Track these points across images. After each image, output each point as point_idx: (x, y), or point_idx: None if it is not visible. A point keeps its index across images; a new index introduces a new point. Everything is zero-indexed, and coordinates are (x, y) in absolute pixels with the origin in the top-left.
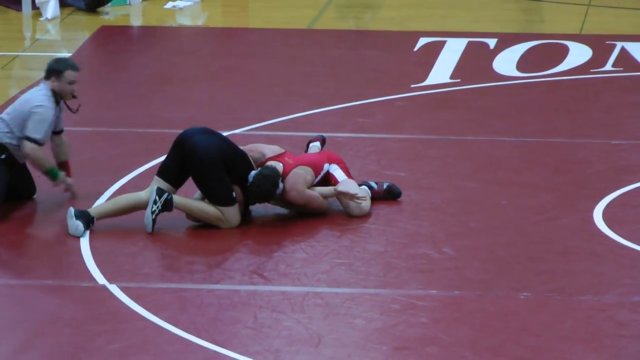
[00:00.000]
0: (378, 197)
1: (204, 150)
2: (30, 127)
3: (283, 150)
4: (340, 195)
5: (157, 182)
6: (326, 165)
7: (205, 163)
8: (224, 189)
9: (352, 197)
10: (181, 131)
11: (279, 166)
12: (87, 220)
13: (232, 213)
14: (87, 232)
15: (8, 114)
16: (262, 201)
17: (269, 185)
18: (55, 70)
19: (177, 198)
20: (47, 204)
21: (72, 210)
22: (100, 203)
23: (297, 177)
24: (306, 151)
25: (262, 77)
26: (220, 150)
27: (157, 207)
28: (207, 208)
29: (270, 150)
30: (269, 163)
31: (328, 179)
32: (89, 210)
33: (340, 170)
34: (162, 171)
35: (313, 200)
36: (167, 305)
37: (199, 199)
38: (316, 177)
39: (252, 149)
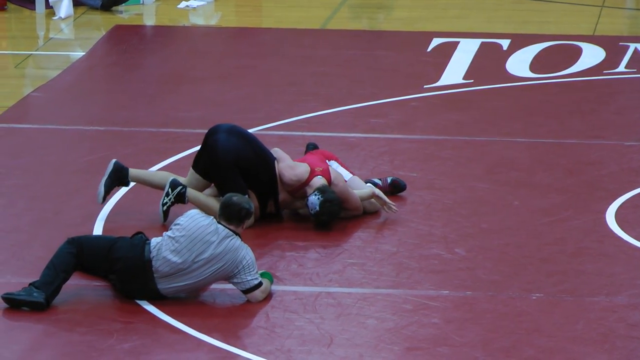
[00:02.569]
0: (384, 192)
1: (221, 150)
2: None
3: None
4: (375, 198)
5: (190, 174)
6: (328, 163)
7: (220, 162)
8: (237, 191)
9: (385, 203)
10: (210, 126)
11: (319, 179)
12: (121, 177)
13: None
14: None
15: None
16: (321, 225)
17: (337, 208)
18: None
19: (190, 191)
20: (65, 207)
21: (113, 162)
22: (141, 170)
23: (338, 175)
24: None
25: (275, 77)
26: (238, 154)
27: (169, 200)
28: (214, 206)
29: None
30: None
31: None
32: (129, 170)
33: (342, 168)
34: (194, 163)
35: (352, 200)
36: (180, 304)
37: (212, 195)
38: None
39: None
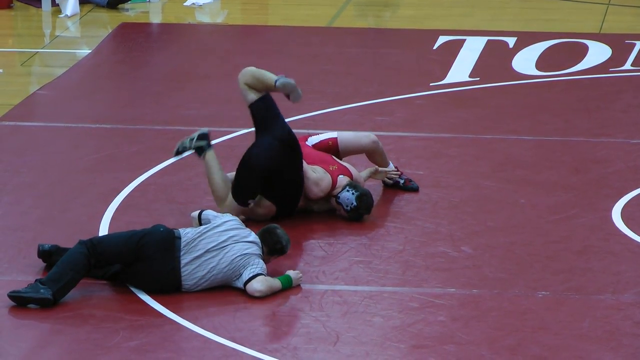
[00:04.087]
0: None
1: (259, 152)
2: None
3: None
4: (376, 173)
5: None
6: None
7: (250, 162)
8: (246, 191)
9: (387, 173)
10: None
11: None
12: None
13: (234, 207)
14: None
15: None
16: (357, 219)
17: (372, 200)
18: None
19: (210, 154)
20: (74, 202)
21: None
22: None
23: (351, 167)
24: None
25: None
26: (271, 166)
27: (188, 144)
28: (220, 184)
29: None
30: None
31: (325, 146)
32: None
33: (320, 135)
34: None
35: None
36: (186, 302)
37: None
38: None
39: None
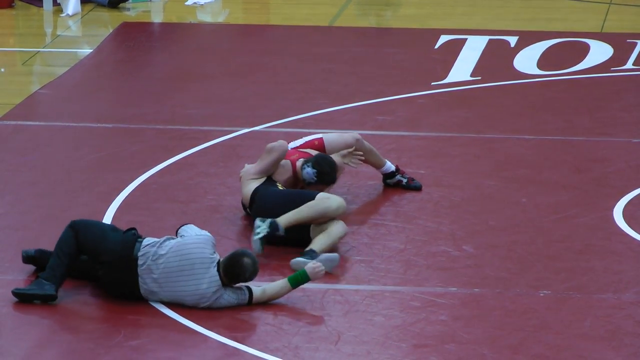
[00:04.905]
0: (400, 179)
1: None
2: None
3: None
4: (345, 158)
5: None
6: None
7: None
8: (304, 192)
9: (351, 154)
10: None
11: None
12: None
13: (327, 194)
14: None
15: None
16: (330, 183)
17: (329, 159)
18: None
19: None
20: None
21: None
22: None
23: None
24: None
25: (283, 74)
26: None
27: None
28: (313, 208)
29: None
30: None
31: (311, 146)
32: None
33: (305, 137)
34: None
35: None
36: None
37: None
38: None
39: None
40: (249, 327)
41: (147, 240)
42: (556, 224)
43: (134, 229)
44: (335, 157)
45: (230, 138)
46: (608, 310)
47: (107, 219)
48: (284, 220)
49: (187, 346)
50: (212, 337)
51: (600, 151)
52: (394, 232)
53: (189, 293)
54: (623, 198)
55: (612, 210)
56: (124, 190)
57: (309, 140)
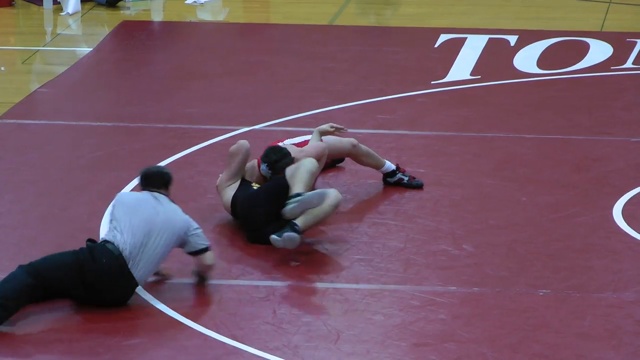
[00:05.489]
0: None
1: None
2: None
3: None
4: (326, 133)
5: None
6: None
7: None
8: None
9: (333, 129)
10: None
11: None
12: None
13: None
14: None
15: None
16: (284, 168)
17: (278, 148)
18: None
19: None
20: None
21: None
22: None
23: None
24: None
25: (283, 73)
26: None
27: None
28: (322, 207)
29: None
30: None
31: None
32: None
33: (303, 136)
34: None
35: (320, 147)
36: (186, 300)
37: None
38: None
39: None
40: (248, 326)
41: (107, 235)
42: (556, 223)
43: (90, 240)
44: (315, 139)
45: (231, 137)
46: (608, 309)
47: (107, 217)
48: (301, 225)
49: (185, 345)
50: (211, 335)
51: (600, 150)
52: (393, 230)
53: (160, 220)
54: (623, 197)
55: (612, 210)
56: (124, 189)
57: (306, 140)
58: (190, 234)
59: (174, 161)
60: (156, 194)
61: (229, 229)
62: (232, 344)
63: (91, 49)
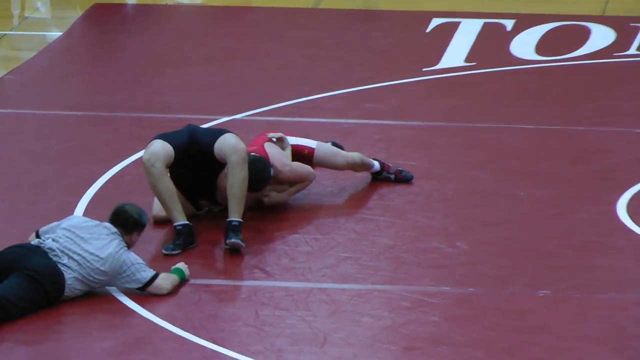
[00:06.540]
0: (387, 176)
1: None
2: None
3: None
4: (279, 142)
5: None
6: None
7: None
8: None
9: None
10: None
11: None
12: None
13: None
14: None
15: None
16: (262, 185)
17: (261, 165)
18: (141, 224)
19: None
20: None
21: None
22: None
23: (279, 154)
24: None
25: (264, 59)
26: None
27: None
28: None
29: None
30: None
31: (300, 153)
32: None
33: (300, 138)
34: None
35: (301, 169)
36: (162, 301)
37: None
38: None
39: None
40: (228, 328)
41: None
42: (555, 219)
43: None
44: (271, 148)
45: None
46: (610, 310)
47: (78, 213)
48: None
49: (162, 348)
50: (189, 338)
51: (601, 141)
52: (382, 227)
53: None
54: (626, 191)
55: (615, 205)
56: (95, 183)
57: (300, 145)
58: (124, 276)
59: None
60: (109, 225)
61: (207, 222)
62: (212, 347)
63: (61, 34)
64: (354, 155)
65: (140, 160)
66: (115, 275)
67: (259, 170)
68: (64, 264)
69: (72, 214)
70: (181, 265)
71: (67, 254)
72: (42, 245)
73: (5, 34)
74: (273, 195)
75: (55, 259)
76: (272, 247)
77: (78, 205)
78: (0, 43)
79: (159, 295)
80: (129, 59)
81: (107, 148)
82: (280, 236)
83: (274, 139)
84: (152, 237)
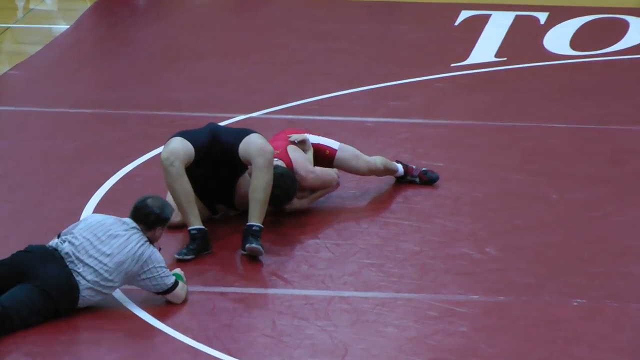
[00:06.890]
0: (412, 180)
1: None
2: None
3: None
4: (302, 145)
5: None
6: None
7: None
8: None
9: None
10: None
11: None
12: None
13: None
14: None
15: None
16: (287, 202)
17: (289, 182)
18: (164, 219)
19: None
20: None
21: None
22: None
23: (303, 159)
24: None
25: (283, 53)
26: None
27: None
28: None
29: None
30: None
31: (321, 153)
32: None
33: (323, 137)
34: None
35: (325, 176)
36: (175, 310)
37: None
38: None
39: None
40: (244, 339)
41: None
42: (590, 224)
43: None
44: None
45: (225, 125)
46: None
47: (85, 215)
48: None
49: (174, 359)
50: (203, 349)
51: (639, 141)
52: (407, 232)
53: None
54: None
55: None
56: (104, 184)
57: (322, 145)
58: (145, 272)
59: (160, 153)
60: (128, 220)
61: (223, 228)
62: (226, 359)
63: (68, 26)
64: (377, 161)
65: (152, 161)
66: (134, 275)
67: (287, 188)
68: (79, 273)
69: (80, 217)
70: (179, 270)
71: (82, 261)
72: (58, 248)
73: (10, 27)
74: (294, 202)
75: (71, 265)
76: (291, 253)
77: (85, 208)
78: (4, 36)
79: (172, 304)
80: (139, 53)
81: (117, 147)
82: (300, 241)
83: (296, 141)
84: (164, 241)
